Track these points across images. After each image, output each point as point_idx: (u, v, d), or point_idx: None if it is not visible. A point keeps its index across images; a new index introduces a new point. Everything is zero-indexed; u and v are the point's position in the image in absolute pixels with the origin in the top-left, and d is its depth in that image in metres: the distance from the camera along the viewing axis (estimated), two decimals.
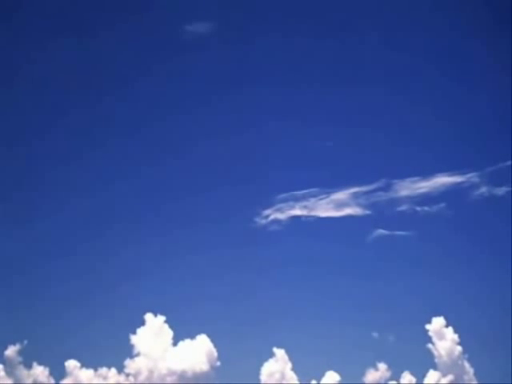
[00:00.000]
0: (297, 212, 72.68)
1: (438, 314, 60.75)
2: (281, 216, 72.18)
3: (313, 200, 72.77)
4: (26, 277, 69.40)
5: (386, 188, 71.92)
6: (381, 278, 68.58)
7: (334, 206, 72.12)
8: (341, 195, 72.53)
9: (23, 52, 75.51)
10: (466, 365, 59.77)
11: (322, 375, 59.97)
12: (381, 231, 70.44)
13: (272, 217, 72.08)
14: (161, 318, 61.32)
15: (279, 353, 61.15)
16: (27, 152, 76.37)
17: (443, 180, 70.74)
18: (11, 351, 61.51)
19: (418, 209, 71.16)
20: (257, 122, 77.92)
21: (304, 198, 73.04)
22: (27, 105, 77.18)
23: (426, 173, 71.57)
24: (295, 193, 73.52)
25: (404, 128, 75.88)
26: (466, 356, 60.14)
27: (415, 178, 71.63)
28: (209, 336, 61.08)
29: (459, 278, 67.61)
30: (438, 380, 58.78)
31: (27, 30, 75.85)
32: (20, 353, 61.76)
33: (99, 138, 78.60)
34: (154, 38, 77.92)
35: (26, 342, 62.00)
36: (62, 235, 72.93)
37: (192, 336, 61.14)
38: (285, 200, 73.02)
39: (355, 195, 72.17)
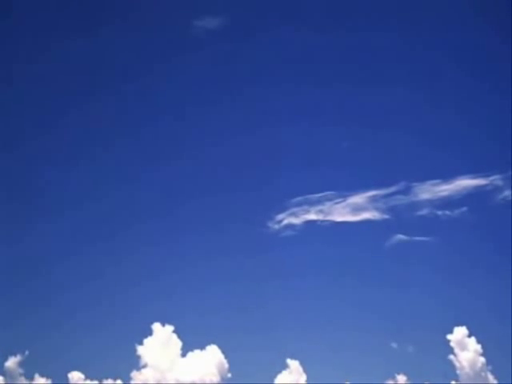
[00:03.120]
0: (312, 216, 72.07)
1: (460, 324, 60.18)
2: (295, 220, 71.64)
3: (328, 204, 72.19)
4: (27, 285, 68.84)
5: (406, 191, 71.35)
6: (400, 286, 67.56)
7: (350, 210, 71.45)
8: (358, 199, 71.85)
9: (23, 52, 75.60)
10: (490, 377, 59.27)
11: None
12: (400, 236, 69.66)
13: (286, 221, 71.51)
14: (169, 328, 60.88)
15: (293, 364, 60.62)
16: (29, 153, 76.00)
17: (465, 183, 70.20)
18: (12, 362, 61.11)
19: (439, 213, 70.49)
20: (269, 121, 77.78)
21: (319, 201, 72.49)
22: (28, 105, 76.77)
23: (447, 175, 71.01)
24: (310, 196, 72.93)
25: (424, 128, 74.79)
26: (490, 367, 59.68)
27: (436, 181, 71.01)
28: (219, 347, 60.79)
29: (482, 285, 66.52)
30: None
31: (27, 29, 75.68)
32: (21, 364, 61.53)
33: (105, 139, 78.35)
34: (163, 34, 78.04)
35: (27, 352, 61.70)
36: (66, 241, 72.30)
37: (202, 346, 60.85)
38: (299, 204, 72.48)
39: (373, 199, 71.48)
